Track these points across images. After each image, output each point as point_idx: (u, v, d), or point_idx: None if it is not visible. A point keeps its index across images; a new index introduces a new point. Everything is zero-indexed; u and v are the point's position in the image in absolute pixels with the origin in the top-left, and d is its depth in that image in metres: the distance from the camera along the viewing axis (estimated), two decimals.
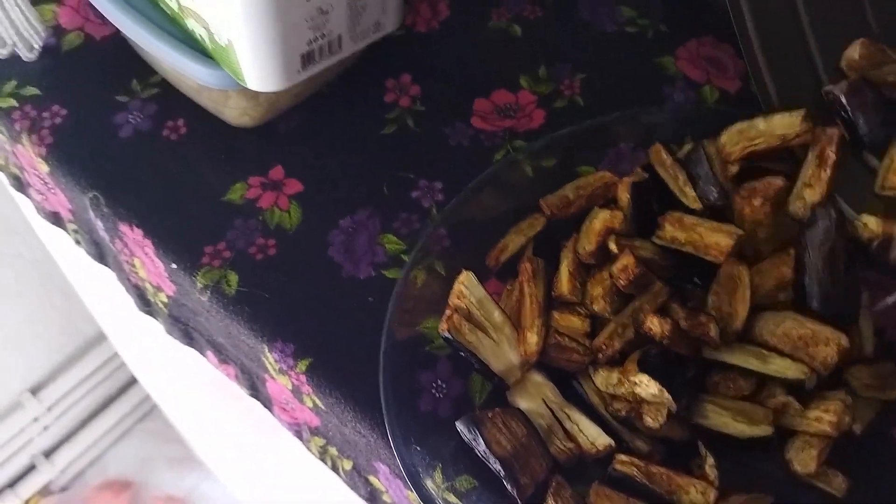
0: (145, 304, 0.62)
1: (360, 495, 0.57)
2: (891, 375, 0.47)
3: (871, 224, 0.47)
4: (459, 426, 0.44)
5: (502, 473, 0.43)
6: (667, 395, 0.41)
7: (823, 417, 0.44)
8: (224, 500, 1.46)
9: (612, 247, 0.48)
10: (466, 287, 0.48)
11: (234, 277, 0.51)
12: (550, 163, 0.58)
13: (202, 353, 0.60)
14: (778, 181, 0.49)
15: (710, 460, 0.44)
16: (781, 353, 0.45)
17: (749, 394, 0.46)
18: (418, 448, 0.45)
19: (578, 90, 0.65)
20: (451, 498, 0.44)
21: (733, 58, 0.68)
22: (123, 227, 0.54)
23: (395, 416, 0.44)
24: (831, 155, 0.47)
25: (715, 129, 0.58)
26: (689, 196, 0.49)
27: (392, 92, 0.62)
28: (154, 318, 0.62)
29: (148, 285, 0.59)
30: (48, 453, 1.42)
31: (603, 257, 0.49)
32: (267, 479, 1.07)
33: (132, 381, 1.44)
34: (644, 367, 0.42)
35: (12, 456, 1.34)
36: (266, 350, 0.50)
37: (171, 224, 0.53)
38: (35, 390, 1.33)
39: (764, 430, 0.44)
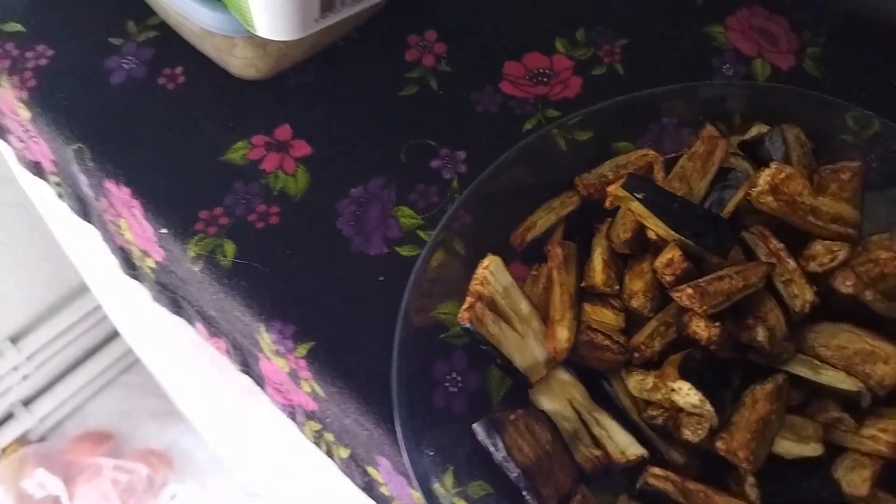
0: (131, 268, 0.56)
1: (356, 483, 0.53)
2: None
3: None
4: (477, 429, 0.40)
5: (523, 484, 0.39)
6: (709, 406, 0.37)
7: (880, 437, 0.40)
8: (205, 456, 1.43)
9: (651, 235, 0.43)
10: (492, 273, 0.43)
11: (230, 247, 0.46)
12: (585, 136, 0.52)
13: (191, 323, 0.55)
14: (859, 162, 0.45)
15: (751, 479, 0.39)
16: (834, 367, 0.40)
17: (796, 405, 0.41)
18: (429, 452, 0.40)
19: (619, 57, 0.59)
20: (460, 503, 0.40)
21: (787, 31, 0.63)
22: (109, 185, 0.48)
23: (407, 415, 0.40)
24: None
25: (769, 108, 0.53)
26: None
27: (415, 49, 0.56)
28: (140, 282, 0.57)
29: (134, 248, 0.53)
30: (27, 402, 1.38)
31: (639, 246, 0.44)
32: (250, 436, 1.03)
33: (115, 334, 1.39)
34: (685, 374, 0.38)
35: None
36: (263, 329, 0.45)
37: (163, 184, 0.48)
38: (15, 339, 1.29)
39: (814, 450, 0.39)
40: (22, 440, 1.38)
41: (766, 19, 0.63)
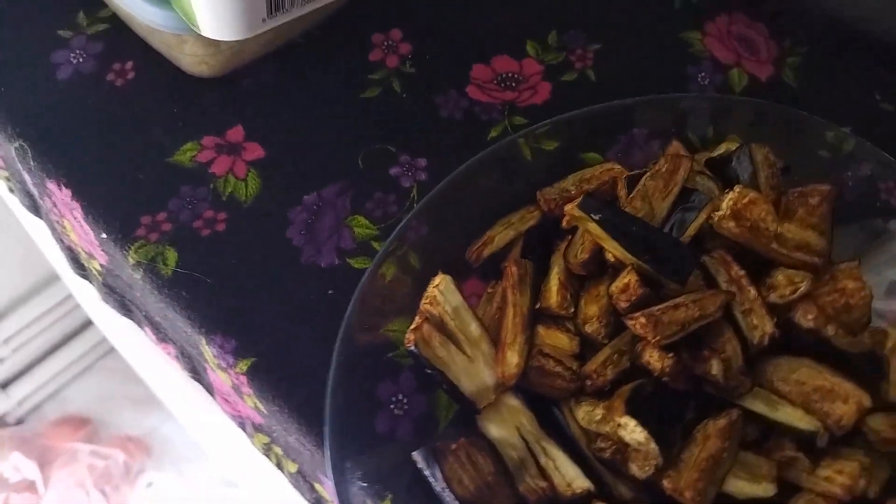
0: (80, 268, 0.55)
1: (305, 498, 0.52)
2: None
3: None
4: (416, 458, 0.38)
5: None
6: (654, 444, 0.35)
7: (835, 478, 0.38)
8: (184, 443, 1.42)
9: (610, 257, 0.41)
10: (442, 292, 0.41)
11: (172, 255, 0.44)
12: (552, 146, 0.50)
13: (140, 327, 0.53)
14: (830, 185, 0.43)
15: None
16: (792, 403, 0.39)
17: (752, 441, 0.40)
18: (362, 482, 0.39)
19: (591, 63, 0.57)
20: None
21: (767, 39, 0.61)
22: (51, 185, 0.47)
23: (337, 442, 0.38)
24: None
25: (743, 122, 0.51)
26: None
27: (379, 49, 0.54)
28: (89, 282, 0.56)
29: (80, 250, 0.52)
30: (5, 385, 1.36)
31: (596, 268, 0.42)
32: (229, 425, 1.02)
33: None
34: (632, 408, 0.36)
35: None
36: (204, 342, 0.43)
37: (105, 186, 0.46)
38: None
39: (766, 490, 0.38)
40: (0, 423, 1.37)
41: (746, 26, 0.61)
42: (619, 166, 0.48)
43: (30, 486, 1.28)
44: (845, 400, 0.38)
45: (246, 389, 0.43)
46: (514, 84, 0.55)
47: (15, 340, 1.31)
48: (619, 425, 0.36)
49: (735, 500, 0.38)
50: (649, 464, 0.36)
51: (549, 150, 0.50)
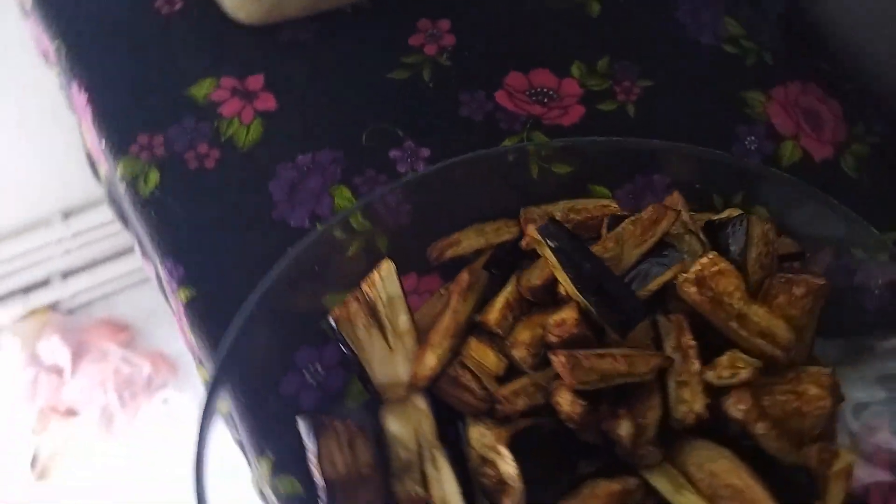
0: (94, 172, 0.57)
1: (233, 437, 0.52)
2: None
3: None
4: (300, 423, 0.38)
5: (323, 496, 0.37)
6: (520, 483, 0.34)
7: None
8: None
9: (562, 291, 0.39)
10: (382, 278, 0.41)
11: (154, 177, 0.46)
12: (563, 170, 0.49)
13: (133, 239, 0.56)
14: (824, 281, 0.39)
15: None
16: (700, 493, 0.36)
17: None
18: (248, 434, 0.39)
19: (635, 98, 0.55)
20: (267, 491, 0.39)
21: (837, 119, 0.56)
22: (74, 87, 0.49)
23: (217, 388, 0.37)
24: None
25: (776, 198, 0.47)
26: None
27: (422, 34, 0.54)
28: (101, 187, 0.58)
29: (93, 153, 0.54)
30: (65, 275, 1.45)
31: (547, 298, 0.40)
32: None
33: None
34: (515, 441, 0.34)
35: (32, 266, 1.39)
36: (159, 264, 0.45)
37: (117, 98, 0.48)
38: (67, 214, 1.36)
39: None
40: (51, 308, 1.47)
41: (818, 100, 0.57)
42: (616, 205, 0.46)
43: (58, 371, 1.36)
44: None
45: (183, 318, 0.44)
46: (545, 100, 0.53)
47: (84, 237, 1.39)
48: (499, 454, 0.35)
49: None
50: (515, 502, 0.35)
51: (557, 173, 0.49)
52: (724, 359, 0.36)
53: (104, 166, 0.51)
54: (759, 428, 0.35)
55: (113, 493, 1.32)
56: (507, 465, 0.34)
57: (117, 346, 1.42)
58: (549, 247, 0.38)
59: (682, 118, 0.54)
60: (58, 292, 1.45)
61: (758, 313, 0.38)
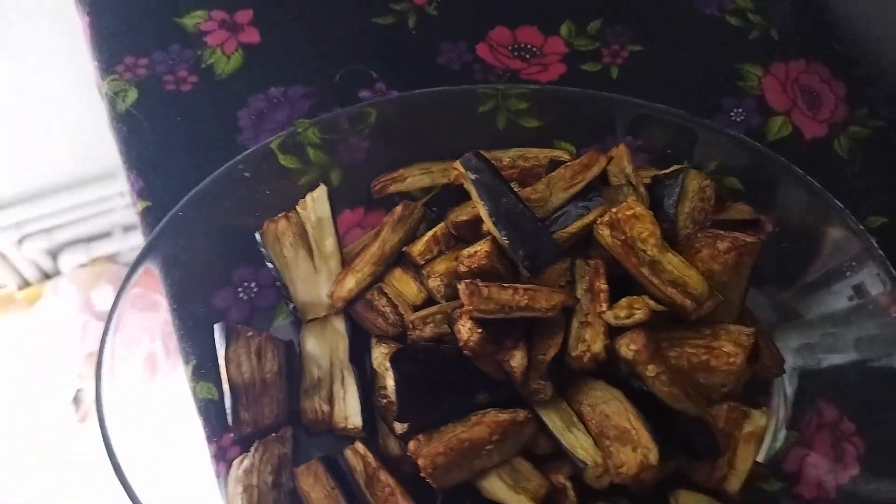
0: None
1: None
2: None
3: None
4: (215, 329, 0.39)
5: (227, 399, 0.38)
6: (395, 398, 0.34)
7: None
8: None
9: (485, 229, 0.39)
10: (313, 199, 0.42)
11: (132, 95, 0.49)
12: (531, 123, 0.48)
13: None
14: (753, 238, 0.38)
15: None
16: (587, 431, 0.35)
17: (543, 454, 0.37)
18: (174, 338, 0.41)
19: (622, 62, 0.54)
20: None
21: (838, 100, 0.54)
22: (79, 10, 0.52)
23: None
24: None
25: (747, 172, 0.45)
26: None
27: None
28: None
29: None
30: (127, 229, 1.53)
31: (473, 235, 0.40)
32: None
33: None
34: (397, 357, 0.35)
35: (94, 217, 1.47)
36: (125, 176, 0.47)
37: (112, 22, 0.51)
38: None
39: (521, 503, 0.35)
40: (110, 259, 1.55)
41: (822, 80, 0.54)
42: (567, 156, 0.45)
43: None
44: (634, 447, 0.34)
45: (141, 228, 0.47)
46: (527, 56, 0.53)
47: None
48: (386, 369, 0.35)
49: (485, 498, 0.35)
50: (396, 420, 0.35)
51: (524, 127, 0.48)
52: (624, 301, 0.36)
53: (99, 87, 0.54)
54: (649, 370, 0.34)
55: (151, 438, 1.39)
56: (390, 380, 0.34)
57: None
58: (470, 179, 0.38)
59: (667, 85, 0.53)
60: (118, 244, 1.54)
61: (671, 262, 0.37)
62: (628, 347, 0.34)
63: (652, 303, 0.35)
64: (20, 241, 1.38)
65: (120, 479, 0.34)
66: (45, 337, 1.42)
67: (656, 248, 0.36)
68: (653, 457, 0.33)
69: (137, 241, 1.56)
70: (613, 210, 0.37)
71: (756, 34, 0.56)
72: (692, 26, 0.56)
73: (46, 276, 1.48)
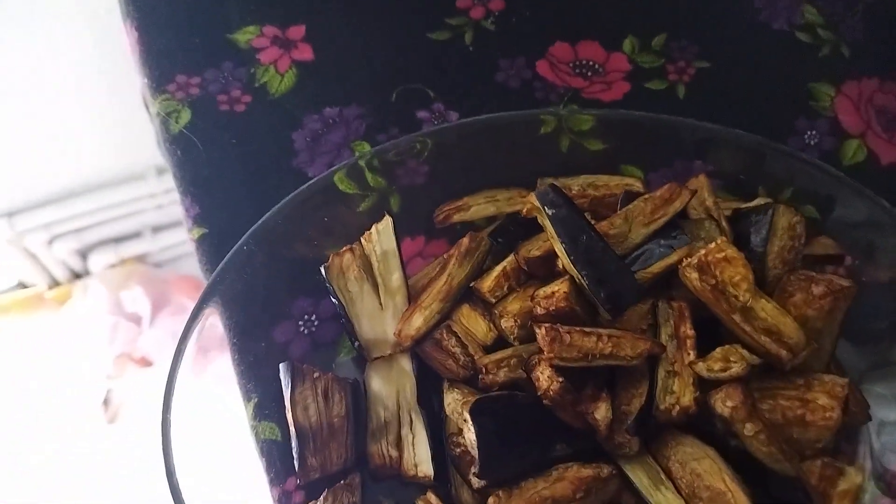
0: (148, 113, 0.59)
1: None
2: None
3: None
4: (281, 368, 0.38)
5: (293, 443, 0.37)
6: (476, 452, 0.32)
7: None
8: None
9: (560, 266, 0.37)
10: (378, 232, 0.40)
11: (186, 116, 0.47)
12: (595, 146, 0.46)
13: None
14: (849, 283, 0.36)
15: None
16: (678, 491, 0.33)
17: None
18: (240, 377, 0.39)
19: (688, 79, 0.52)
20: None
21: None
22: (127, 27, 0.51)
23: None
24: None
25: (826, 200, 0.43)
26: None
27: None
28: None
29: (144, 93, 0.56)
30: (156, 230, 1.53)
31: (545, 271, 0.39)
32: None
33: None
34: (478, 408, 0.33)
35: (124, 217, 1.46)
36: (180, 201, 0.46)
37: (162, 38, 0.49)
38: (161, 171, 1.43)
39: None
40: (140, 259, 1.55)
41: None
42: (640, 184, 0.43)
43: (137, 319, 1.43)
44: None
45: (197, 255, 0.45)
46: (589, 73, 0.51)
47: (175, 194, 1.46)
48: (464, 420, 0.33)
49: None
50: (473, 473, 0.33)
51: (589, 150, 0.46)
52: (719, 351, 0.34)
53: (149, 105, 0.53)
54: (747, 429, 0.32)
55: (178, 442, 1.39)
56: (469, 432, 0.33)
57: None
58: (547, 214, 0.37)
59: (737, 105, 0.51)
60: (147, 245, 1.53)
61: (765, 308, 0.34)
62: (724, 404, 0.32)
63: (748, 355, 0.33)
64: (50, 242, 1.38)
65: None
66: (74, 337, 1.42)
67: (749, 294, 0.34)
68: None
69: (167, 241, 1.55)
70: (702, 252, 0.35)
71: (826, 51, 0.53)
72: (760, 42, 0.54)
73: (76, 276, 1.48)
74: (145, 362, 1.45)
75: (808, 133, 0.50)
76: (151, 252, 1.57)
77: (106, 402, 1.39)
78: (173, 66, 0.49)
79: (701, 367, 0.33)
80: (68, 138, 1.24)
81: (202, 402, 0.42)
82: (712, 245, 0.35)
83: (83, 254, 1.47)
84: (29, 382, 1.37)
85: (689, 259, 0.35)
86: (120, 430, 1.35)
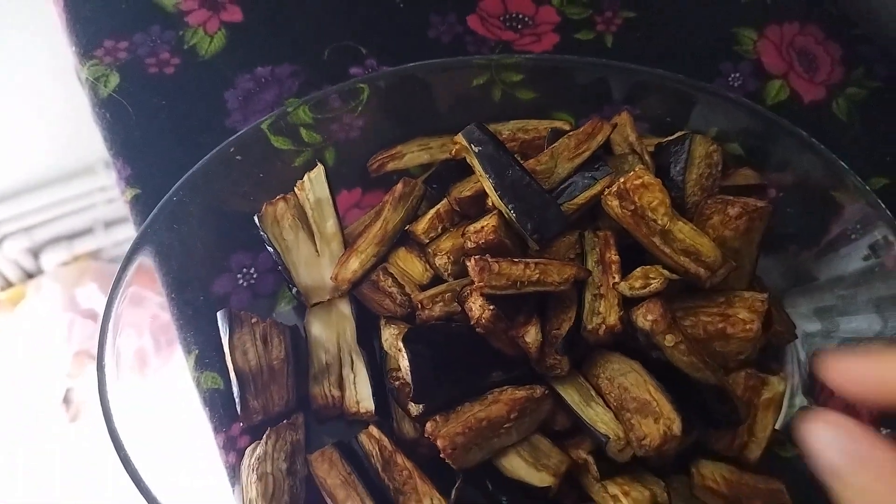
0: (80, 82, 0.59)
1: None
2: (755, 496, 0.35)
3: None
4: (219, 317, 0.38)
5: (234, 387, 0.37)
6: (410, 377, 0.33)
7: (621, 499, 0.34)
8: None
9: (489, 203, 0.38)
10: (311, 180, 0.41)
11: (114, 80, 0.47)
12: (527, 96, 0.47)
13: None
14: (764, 203, 0.37)
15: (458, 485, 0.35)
16: (606, 405, 0.34)
17: (561, 430, 0.36)
18: (181, 331, 0.39)
19: (615, 29, 0.53)
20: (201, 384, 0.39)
21: (835, 61, 0.53)
22: None
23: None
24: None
25: (755, 138, 0.45)
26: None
27: None
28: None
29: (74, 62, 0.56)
30: (108, 224, 1.51)
31: (476, 210, 0.40)
32: None
33: None
34: (411, 336, 0.34)
35: (75, 213, 1.44)
36: (112, 163, 0.46)
37: (87, 3, 0.49)
38: (110, 164, 1.41)
39: (541, 480, 0.34)
40: (94, 255, 1.53)
41: (816, 42, 0.54)
42: (568, 126, 0.44)
43: (94, 316, 1.41)
44: (657, 419, 0.33)
45: (130, 216, 0.45)
46: (519, 26, 0.52)
47: None
48: (399, 350, 0.34)
49: (506, 477, 0.34)
50: (411, 401, 0.34)
51: (520, 99, 0.47)
52: (638, 271, 0.35)
53: (78, 72, 0.53)
54: (667, 340, 0.33)
55: (142, 436, 1.38)
56: (403, 360, 0.33)
57: (155, 294, 1.47)
58: (473, 152, 0.37)
59: (663, 52, 0.52)
60: (100, 240, 1.51)
61: (682, 230, 0.36)
62: (645, 318, 0.33)
63: (667, 272, 0.34)
64: (0, 242, 1.36)
65: (132, 477, 0.33)
66: (31, 337, 1.40)
67: (667, 217, 0.36)
68: (676, 427, 0.32)
69: (120, 236, 1.53)
70: (621, 180, 0.36)
71: None
72: None
73: (29, 276, 1.45)
74: None
75: (733, 76, 0.52)
76: (105, 247, 1.55)
77: (66, 401, 1.37)
78: (100, 32, 0.48)
79: (623, 286, 0.35)
80: (13, 134, 1.22)
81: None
82: (631, 173, 0.36)
83: (35, 252, 1.44)
84: None
85: (609, 189, 0.36)
86: (82, 428, 1.34)
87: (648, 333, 0.33)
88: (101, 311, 1.41)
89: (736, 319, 0.35)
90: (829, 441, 0.26)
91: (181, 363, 0.42)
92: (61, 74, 1.28)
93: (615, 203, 0.36)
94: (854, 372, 0.30)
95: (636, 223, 0.36)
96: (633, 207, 0.36)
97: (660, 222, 0.36)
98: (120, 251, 1.56)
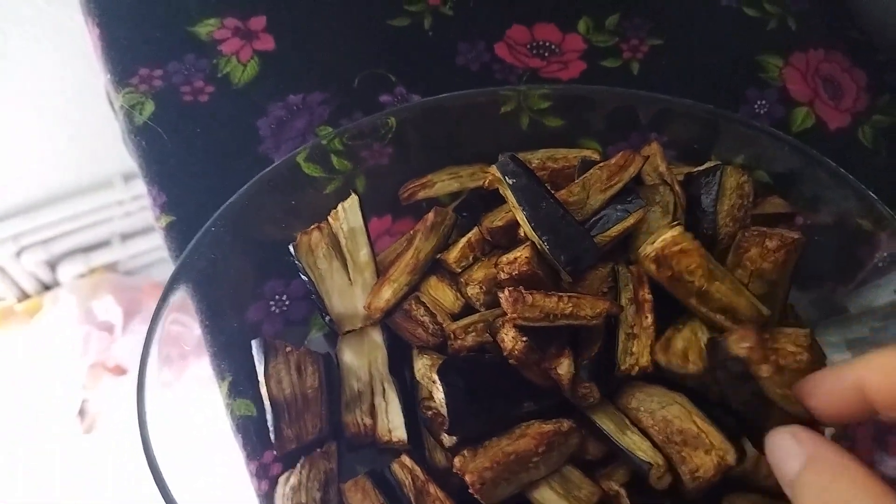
0: (112, 109, 0.60)
1: None
2: None
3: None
4: (253, 345, 0.39)
5: (268, 415, 0.37)
6: (445, 411, 0.33)
7: None
8: None
9: (521, 233, 0.39)
10: (345, 210, 0.41)
11: (149, 108, 0.48)
12: (554, 123, 0.48)
13: None
14: (798, 235, 0.37)
15: None
16: (651, 440, 0.35)
17: (592, 460, 0.36)
18: (213, 357, 0.40)
19: (642, 56, 0.53)
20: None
21: (860, 88, 0.53)
22: (89, 24, 0.51)
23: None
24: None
25: (781, 165, 0.45)
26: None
27: None
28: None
29: (108, 88, 0.57)
30: (125, 237, 1.52)
31: (507, 240, 0.40)
32: None
33: None
34: (445, 369, 0.34)
35: (92, 226, 1.45)
36: (147, 190, 0.46)
37: (123, 32, 0.50)
38: (128, 177, 1.42)
39: None
40: (110, 267, 1.54)
41: (842, 69, 0.54)
42: (597, 156, 0.45)
43: (110, 328, 1.42)
44: (707, 451, 0.33)
45: (165, 242, 0.46)
46: (546, 54, 0.53)
47: (143, 201, 1.45)
48: (433, 381, 0.34)
49: None
50: (444, 432, 0.34)
51: (548, 126, 0.48)
52: (679, 346, 0.35)
53: (113, 101, 0.53)
54: (763, 370, 0.33)
55: (157, 449, 1.38)
56: (438, 392, 0.34)
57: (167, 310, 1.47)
58: (507, 184, 0.38)
59: (689, 79, 0.53)
60: (116, 253, 1.52)
61: (720, 290, 0.36)
62: (739, 345, 0.33)
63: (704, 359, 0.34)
64: (18, 254, 1.37)
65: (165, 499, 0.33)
66: (46, 349, 1.41)
67: (704, 279, 0.35)
68: (730, 458, 0.32)
69: (136, 249, 1.54)
70: (659, 246, 0.36)
71: (774, 24, 0.56)
72: (709, 18, 0.56)
73: (46, 288, 1.47)
74: (119, 371, 1.44)
75: (758, 103, 0.52)
76: (121, 260, 1.56)
77: (81, 413, 1.38)
78: (135, 60, 0.49)
79: (661, 357, 0.35)
80: (32, 148, 1.23)
81: (179, 397, 0.43)
82: (666, 237, 0.36)
83: (52, 265, 1.45)
84: (3, 397, 1.36)
85: (646, 251, 0.36)
86: (97, 440, 1.34)
87: (743, 362, 0.33)
88: (116, 322, 1.42)
89: (786, 352, 0.35)
90: (788, 449, 0.27)
91: (211, 388, 0.43)
92: (82, 90, 1.29)
93: (653, 268, 0.36)
94: (819, 388, 0.30)
95: (673, 286, 0.36)
96: (670, 273, 0.36)
97: (697, 284, 0.36)
98: (136, 263, 1.57)
